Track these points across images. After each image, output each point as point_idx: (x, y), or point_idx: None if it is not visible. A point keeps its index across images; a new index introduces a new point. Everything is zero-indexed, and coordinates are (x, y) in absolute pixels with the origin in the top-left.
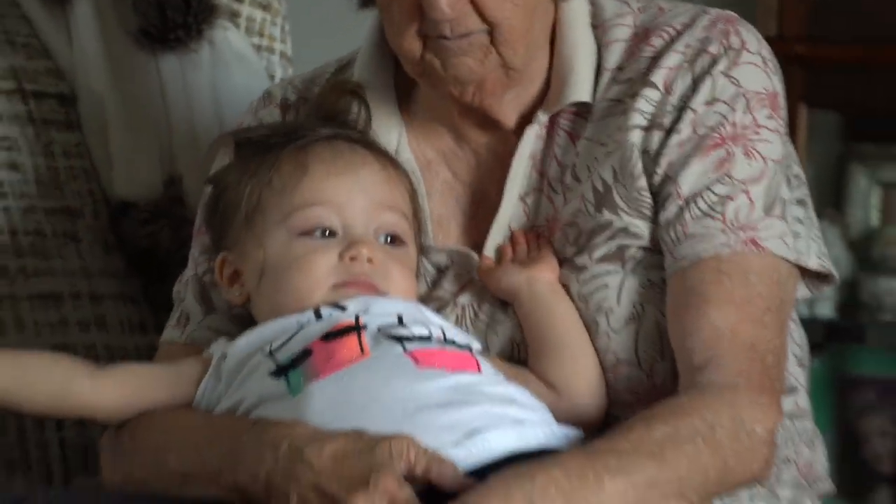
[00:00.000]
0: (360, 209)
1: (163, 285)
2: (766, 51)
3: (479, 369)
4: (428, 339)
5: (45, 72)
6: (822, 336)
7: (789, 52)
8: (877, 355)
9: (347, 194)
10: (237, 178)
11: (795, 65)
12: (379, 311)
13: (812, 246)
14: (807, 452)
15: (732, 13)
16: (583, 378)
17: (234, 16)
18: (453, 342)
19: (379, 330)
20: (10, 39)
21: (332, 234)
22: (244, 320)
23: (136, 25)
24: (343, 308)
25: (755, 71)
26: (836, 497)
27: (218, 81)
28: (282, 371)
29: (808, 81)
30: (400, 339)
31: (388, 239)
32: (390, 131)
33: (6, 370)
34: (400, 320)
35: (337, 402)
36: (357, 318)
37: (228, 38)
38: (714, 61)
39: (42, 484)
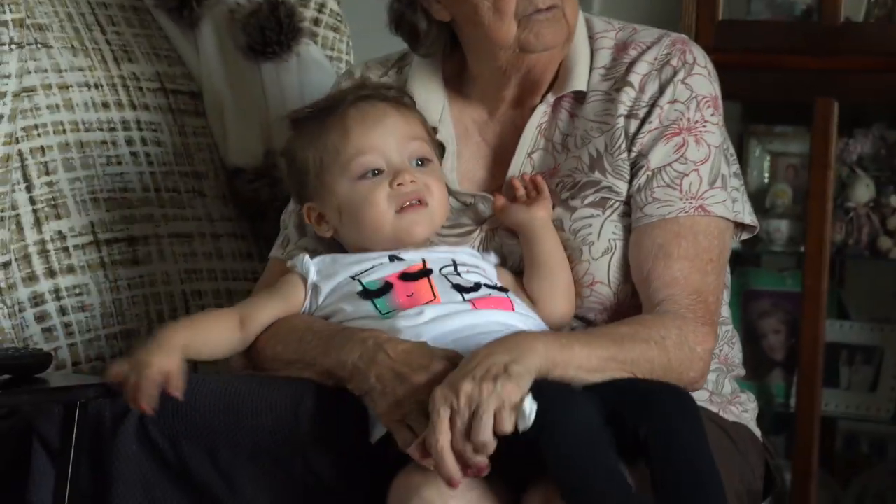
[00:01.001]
0: (392, 147)
1: (264, 225)
2: (710, 65)
3: (512, 308)
4: (477, 287)
5: (180, 75)
6: (731, 261)
7: None
8: (770, 275)
9: (380, 139)
10: (302, 146)
11: None
12: (436, 258)
13: (745, 206)
14: (726, 348)
15: (686, 37)
16: (557, 292)
17: (314, 35)
18: (495, 286)
19: (441, 272)
20: (156, 52)
21: (380, 171)
22: (329, 241)
23: (245, 42)
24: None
25: (703, 80)
26: (744, 379)
27: (303, 82)
28: (368, 295)
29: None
30: (459, 289)
31: (419, 162)
32: (437, 104)
33: (190, 336)
34: (454, 265)
35: (418, 325)
36: (423, 261)
37: (310, 51)
38: (675, 72)
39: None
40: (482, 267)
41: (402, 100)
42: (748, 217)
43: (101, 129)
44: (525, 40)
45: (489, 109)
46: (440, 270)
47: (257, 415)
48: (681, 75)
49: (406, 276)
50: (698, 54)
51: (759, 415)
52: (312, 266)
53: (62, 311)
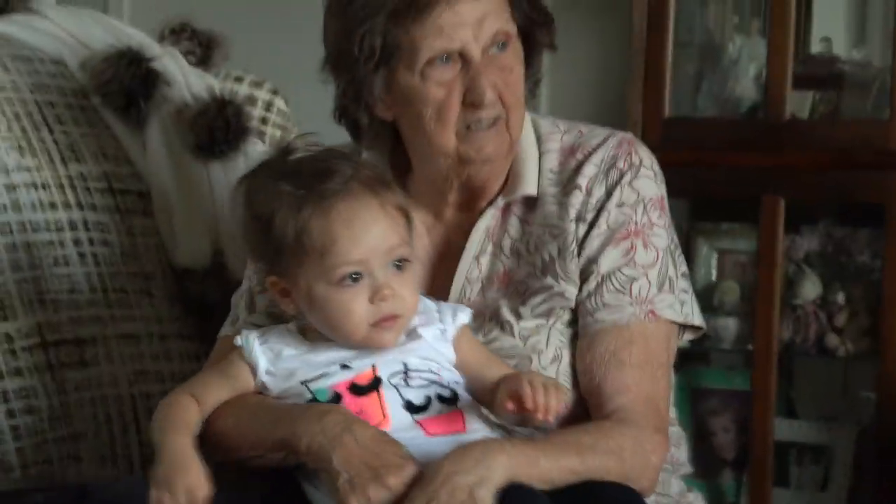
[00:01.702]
0: (378, 257)
1: (212, 326)
2: (656, 165)
3: (464, 428)
4: (427, 404)
5: (128, 174)
6: (678, 360)
7: None
8: (718, 374)
9: (367, 250)
10: (282, 216)
11: None
12: (386, 362)
13: (694, 307)
14: (673, 449)
15: (631, 135)
16: None
17: (261, 134)
18: (447, 395)
19: (391, 381)
20: (103, 152)
21: (359, 276)
22: (275, 318)
23: (193, 141)
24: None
25: (649, 182)
26: (694, 477)
27: None
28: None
29: (665, 179)
30: (409, 407)
31: (398, 264)
32: None
33: (189, 436)
34: (405, 371)
35: None
36: (373, 367)
37: (258, 150)
38: (622, 175)
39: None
40: (436, 360)
41: (389, 191)
42: (698, 318)
43: (49, 230)
44: (465, 153)
45: (434, 212)
46: (389, 379)
47: None
48: (627, 178)
49: (355, 389)
50: (644, 155)
51: None
52: (261, 360)
53: (10, 415)
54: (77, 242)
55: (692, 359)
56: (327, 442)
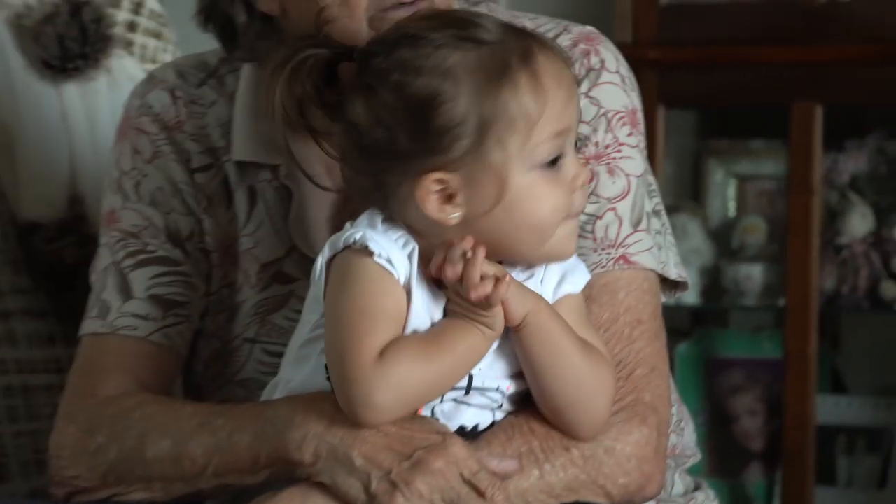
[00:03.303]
0: (574, 131)
1: (69, 299)
2: (624, 67)
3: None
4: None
5: None
6: (688, 322)
7: (644, 57)
8: (741, 338)
9: (573, 119)
10: (455, 92)
11: (651, 68)
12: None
13: (670, 256)
14: (673, 437)
15: (592, 30)
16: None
17: (128, 45)
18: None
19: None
20: None
21: (561, 157)
22: (166, 303)
23: (38, 56)
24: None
25: (614, 90)
26: (710, 475)
27: (116, 106)
28: None
29: (663, 83)
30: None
31: (578, 147)
32: (275, 130)
33: None
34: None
35: None
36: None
37: (124, 65)
38: (577, 82)
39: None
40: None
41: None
42: (672, 270)
43: None
44: None
45: None
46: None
47: None
48: (583, 87)
49: None
50: (607, 55)
51: None
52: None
53: None
54: None
55: (706, 319)
56: (340, 441)
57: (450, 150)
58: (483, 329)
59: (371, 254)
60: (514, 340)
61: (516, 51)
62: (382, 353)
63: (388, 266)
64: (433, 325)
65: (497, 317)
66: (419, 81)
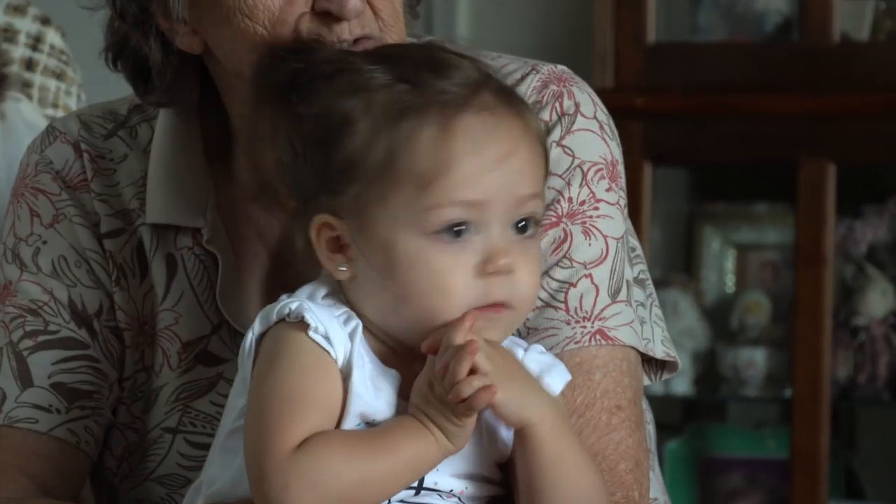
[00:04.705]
0: (503, 204)
1: None
2: (603, 113)
3: None
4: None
5: None
6: (679, 415)
7: (628, 105)
8: (741, 434)
9: (494, 191)
10: (369, 123)
11: (635, 118)
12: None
13: (656, 331)
14: None
15: (565, 69)
16: None
17: (26, 86)
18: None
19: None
20: None
21: (467, 230)
22: (71, 393)
23: None
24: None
25: (591, 138)
26: None
27: (12, 158)
28: None
29: (649, 135)
30: None
31: (522, 225)
32: (201, 191)
33: None
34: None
35: None
36: None
37: (20, 109)
38: (547, 129)
39: None
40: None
41: (530, 112)
42: (659, 348)
43: None
44: None
45: (272, 201)
46: None
47: None
48: (555, 134)
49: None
50: (582, 98)
51: None
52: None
53: None
54: None
55: (700, 412)
56: (456, 431)
57: (343, 193)
58: (439, 438)
59: (307, 327)
60: (513, 447)
61: (443, 97)
62: (302, 444)
63: (324, 343)
64: (384, 419)
65: (464, 430)
66: (337, 105)
